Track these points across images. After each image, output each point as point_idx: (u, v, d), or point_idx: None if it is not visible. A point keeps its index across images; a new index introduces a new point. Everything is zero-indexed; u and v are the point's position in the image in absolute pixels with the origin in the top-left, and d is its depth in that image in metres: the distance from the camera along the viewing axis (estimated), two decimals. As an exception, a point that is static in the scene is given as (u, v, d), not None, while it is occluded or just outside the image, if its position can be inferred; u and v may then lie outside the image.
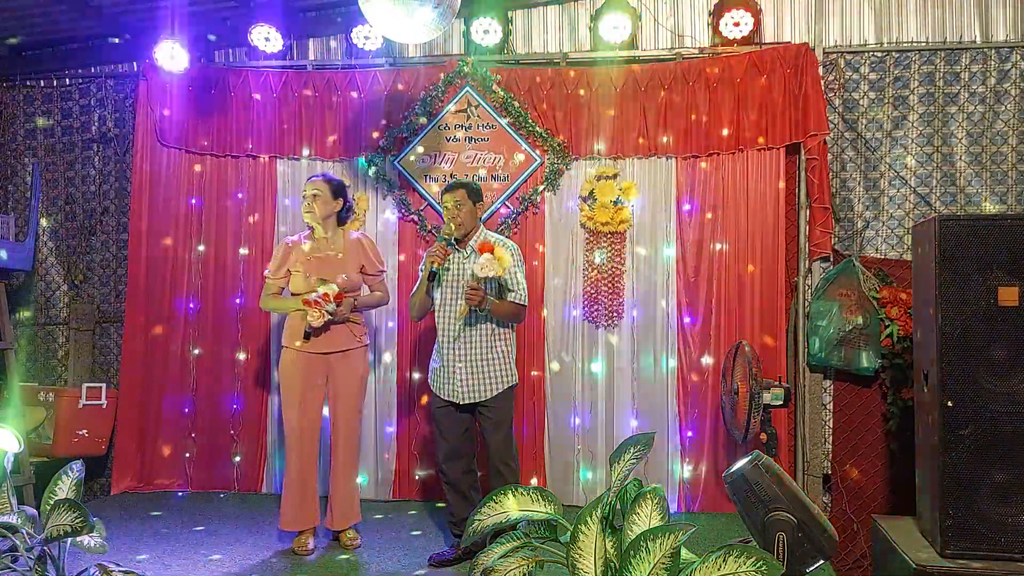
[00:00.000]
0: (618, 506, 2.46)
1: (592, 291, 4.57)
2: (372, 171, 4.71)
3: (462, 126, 4.69)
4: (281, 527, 3.70)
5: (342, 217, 3.77)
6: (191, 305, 4.85)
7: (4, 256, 4.46)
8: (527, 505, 2.52)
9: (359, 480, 4.18)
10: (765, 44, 4.54)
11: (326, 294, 3.49)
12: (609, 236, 4.55)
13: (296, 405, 3.65)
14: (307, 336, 3.57)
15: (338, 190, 3.73)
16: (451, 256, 3.55)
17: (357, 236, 3.84)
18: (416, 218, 4.71)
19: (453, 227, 3.51)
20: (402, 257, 4.70)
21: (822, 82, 4.42)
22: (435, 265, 3.45)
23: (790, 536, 2.82)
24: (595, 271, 4.57)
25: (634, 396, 4.53)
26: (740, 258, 4.44)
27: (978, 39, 4.44)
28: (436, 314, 3.59)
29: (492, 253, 3.34)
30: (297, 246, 3.73)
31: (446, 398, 3.54)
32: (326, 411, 3.79)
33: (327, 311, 3.50)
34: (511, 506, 2.52)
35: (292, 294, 3.69)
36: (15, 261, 4.60)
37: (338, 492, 3.73)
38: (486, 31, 4.52)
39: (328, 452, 3.82)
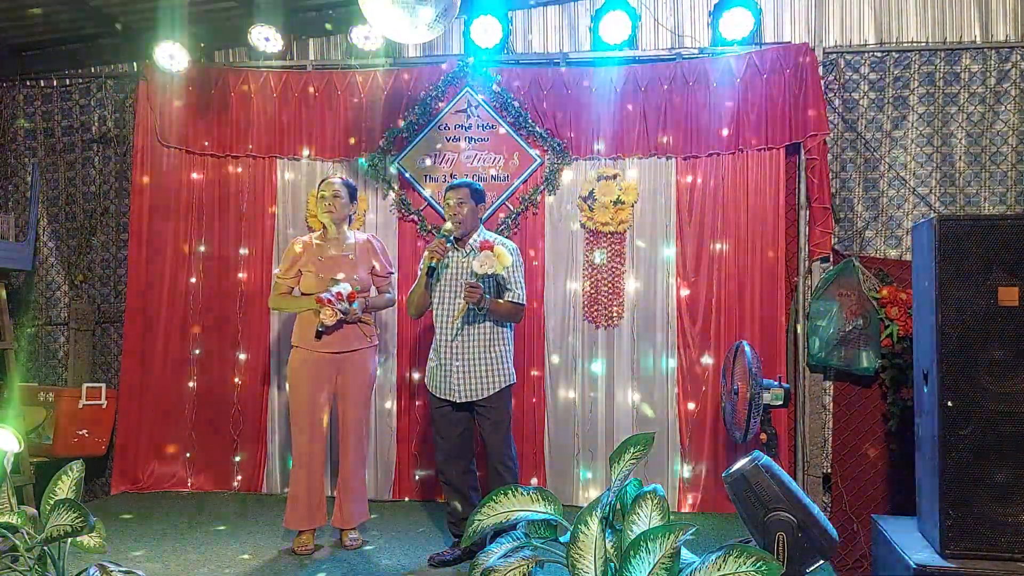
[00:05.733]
0: (618, 506, 2.46)
1: (592, 291, 4.57)
2: (372, 171, 4.71)
3: (462, 126, 4.69)
4: (285, 525, 3.70)
5: (351, 219, 3.83)
6: (191, 305, 4.85)
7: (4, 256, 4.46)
8: (527, 505, 2.52)
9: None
10: (765, 44, 4.54)
11: (339, 293, 3.51)
12: (609, 236, 4.55)
13: (305, 404, 3.66)
14: (319, 335, 3.58)
15: (354, 193, 3.83)
16: (450, 255, 3.56)
17: (367, 237, 3.88)
18: (416, 218, 4.71)
19: (453, 225, 3.51)
20: (401, 257, 4.70)
21: (822, 82, 4.42)
22: (434, 260, 3.46)
23: (790, 536, 2.82)
24: (595, 271, 4.57)
25: (634, 397, 4.53)
26: (740, 258, 4.44)
27: (978, 39, 4.44)
28: (434, 312, 3.59)
29: (492, 251, 3.36)
30: (308, 246, 3.75)
31: (443, 397, 3.54)
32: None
33: (340, 310, 3.51)
34: (511, 506, 2.52)
35: (304, 294, 3.70)
36: (15, 261, 4.60)
37: (346, 491, 3.73)
38: (486, 31, 4.52)
39: (335, 451, 3.83)
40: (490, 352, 3.51)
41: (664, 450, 4.45)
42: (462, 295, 3.42)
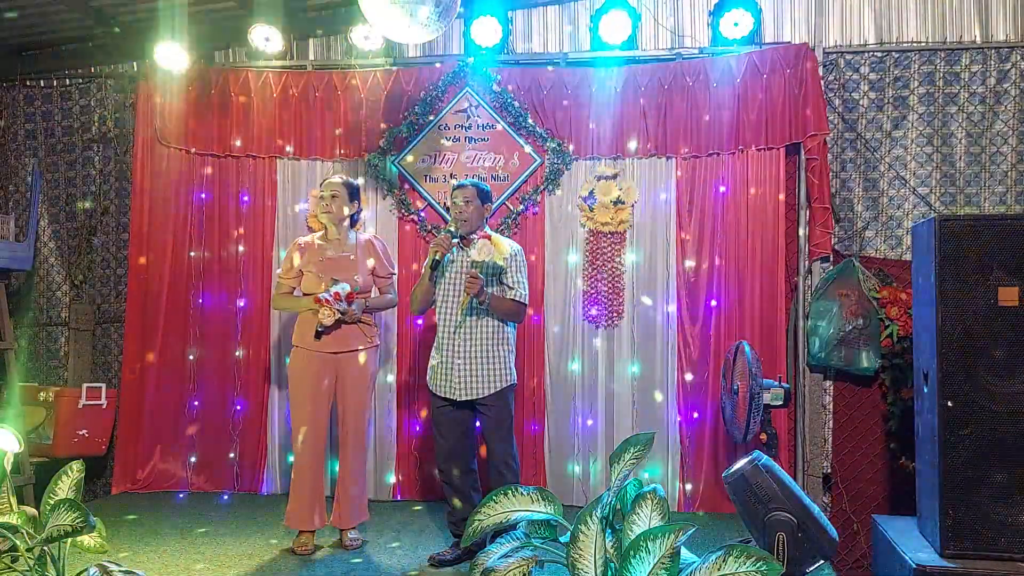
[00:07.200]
0: (618, 506, 2.46)
1: (592, 291, 4.57)
2: (372, 171, 4.71)
3: (462, 126, 4.69)
4: (286, 524, 3.70)
5: (354, 219, 3.81)
6: (191, 305, 4.84)
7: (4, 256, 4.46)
8: (527, 505, 2.52)
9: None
10: (765, 44, 4.54)
11: (337, 293, 3.52)
12: (609, 236, 4.55)
13: (305, 404, 3.65)
14: (318, 335, 3.58)
15: (355, 193, 3.78)
16: (455, 253, 3.56)
17: (368, 238, 3.87)
18: (416, 218, 4.71)
19: (458, 224, 3.51)
20: (401, 257, 4.69)
21: (822, 82, 4.41)
22: (439, 254, 3.45)
23: (790, 536, 2.83)
24: (595, 271, 4.57)
25: (634, 396, 4.53)
26: (740, 258, 4.44)
27: (978, 39, 4.44)
28: (437, 309, 3.59)
29: (490, 239, 3.37)
30: (309, 247, 3.75)
31: (443, 395, 3.53)
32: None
33: (338, 310, 3.52)
34: (511, 506, 2.52)
35: (304, 294, 3.70)
36: (15, 261, 4.60)
37: (346, 491, 3.73)
38: (486, 31, 4.52)
39: (335, 451, 3.83)
40: (492, 351, 3.50)
41: (664, 450, 4.45)
42: (465, 291, 3.42)
